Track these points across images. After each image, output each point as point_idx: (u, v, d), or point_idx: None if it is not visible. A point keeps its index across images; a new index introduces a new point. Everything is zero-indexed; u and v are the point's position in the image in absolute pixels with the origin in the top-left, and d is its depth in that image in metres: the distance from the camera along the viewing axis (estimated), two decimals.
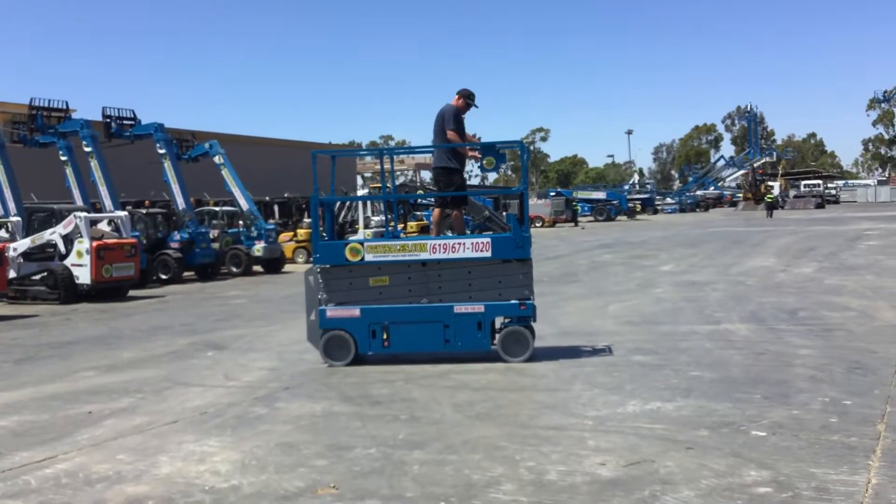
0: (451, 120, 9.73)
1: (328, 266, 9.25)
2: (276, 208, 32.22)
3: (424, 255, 9.14)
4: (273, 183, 40.06)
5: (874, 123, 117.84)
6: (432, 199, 40.98)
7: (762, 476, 5.08)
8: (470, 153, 10.06)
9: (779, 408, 6.72)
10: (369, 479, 5.31)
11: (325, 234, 9.62)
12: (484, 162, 9.58)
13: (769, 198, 58.65)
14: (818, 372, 8.03)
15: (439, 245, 9.15)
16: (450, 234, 10.56)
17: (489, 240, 9.12)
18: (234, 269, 23.87)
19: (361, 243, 9.42)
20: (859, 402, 6.82)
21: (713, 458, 5.45)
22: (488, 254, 9.05)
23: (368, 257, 9.18)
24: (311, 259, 9.58)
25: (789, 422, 6.29)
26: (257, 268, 24.49)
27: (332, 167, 9.91)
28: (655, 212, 73.52)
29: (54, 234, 18.42)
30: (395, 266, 9.19)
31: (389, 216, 10.59)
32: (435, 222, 10.43)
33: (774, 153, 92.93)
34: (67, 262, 17.99)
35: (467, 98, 9.94)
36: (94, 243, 17.87)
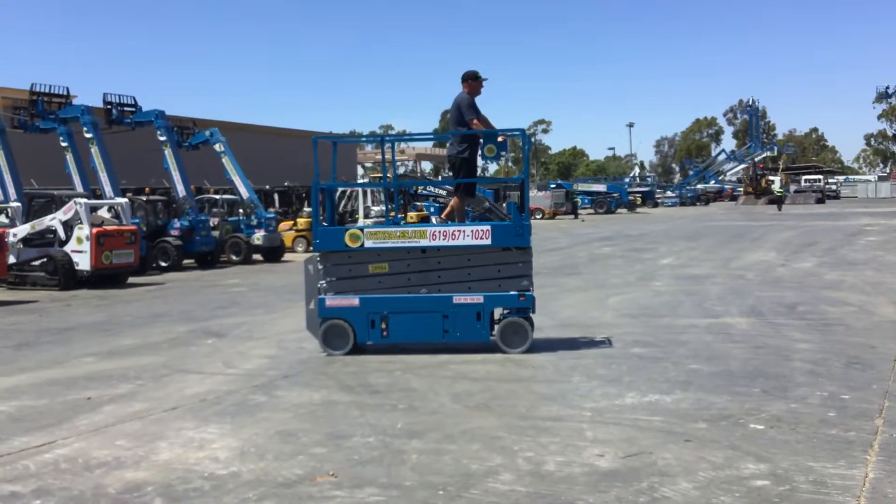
0: (468, 109, 9.57)
1: (328, 252, 9.24)
2: (276, 197, 32.18)
3: (424, 242, 9.14)
4: (273, 171, 40.02)
5: (879, 118, 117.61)
6: (432, 189, 40.92)
7: (760, 469, 5.10)
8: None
9: (777, 401, 6.73)
10: (368, 467, 5.32)
11: (325, 221, 9.61)
12: (485, 150, 9.54)
13: (778, 192, 58.85)
14: (817, 366, 8.04)
15: (439, 232, 9.14)
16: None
17: (489, 227, 9.11)
18: (234, 258, 23.86)
19: (361, 229, 9.41)
20: (857, 397, 6.83)
21: (711, 451, 5.46)
22: (488, 241, 9.04)
23: (368, 243, 9.17)
24: (311, 247, 9.58)
25: (787, 415, 6.30)
26: (257, 256, 24.48)
27: (334, 154, 9.88)
28: (656, 205, 73.48)
29: (54, 220, 18.40)
30: (394, 252, 9.18)
31: (390, 204, 10.53)
32: (454, 209, 10.31)
33: (775, 148, 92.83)
34: (67, 248, 17.97)
35: (473, 79, 9.77)
36: (94, 230, 17.84)
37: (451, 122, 9.83)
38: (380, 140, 9.49)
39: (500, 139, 9.55)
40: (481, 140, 9.66)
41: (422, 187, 39.56)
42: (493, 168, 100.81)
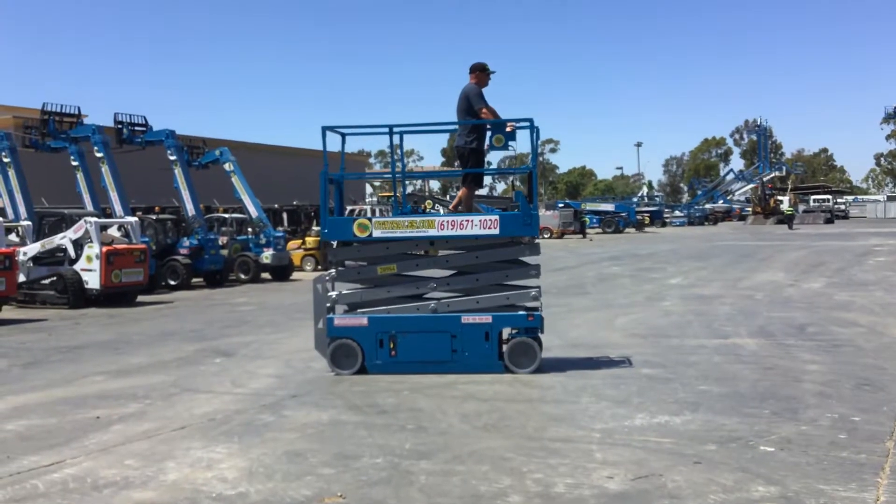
0: (477, 98, 9.52)
1: (336, 247, 9.24)
2: (284, 216, 32.28)
3: (433, 232, 9.12)
4: (282, 190, 40.19)
5: (888, 138, 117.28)
6: (440, 209, 40.91)
7: (770, 492, 5.07)
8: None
9: (787, 423, 6.70)
10: (376, 488, 5.31)
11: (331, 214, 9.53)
12: (493, 139, 9.44)
13: (788, 211, 59.64)
14: (827, 388, 8.01)
15: (447, 222, 9.13)
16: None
17: (497, 217, 9.10)
18: (243, 276, 23.92)
19: (370, 219, 9.39)
20: (868, 419, 6.79)
21: (721, 473, 5.43)
22: (496, 231, 9.03)
23: (376, 233, 9.16)
24: (320, 266, 9.60)
25: (798, 437, 6.27)
26: (265, 275, 24.54)
27: (342, 145, 9.78)
28: (664, 224, 73.40)
29: (64, 239, 18.50)
30: (402, 244, 9.18)
31: (398, 193, 10.26)
32: (462, 200, 10.29)
33: (784, 167, 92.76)
34: (77, 266, 18.05)
35: (482, 71, 9.73)
36: (104, 248, 17.92)
37: (459, 112, 9.71)
38: (388, 129, 9.33)
39: (508, 129, 9.40)
40: (489, 130, 9.55)
41: (431, 206, 39.62)
42: (500, 188, 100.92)
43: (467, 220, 9.08)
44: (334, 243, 9.47)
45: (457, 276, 9.37)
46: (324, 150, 9.28)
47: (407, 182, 10.60)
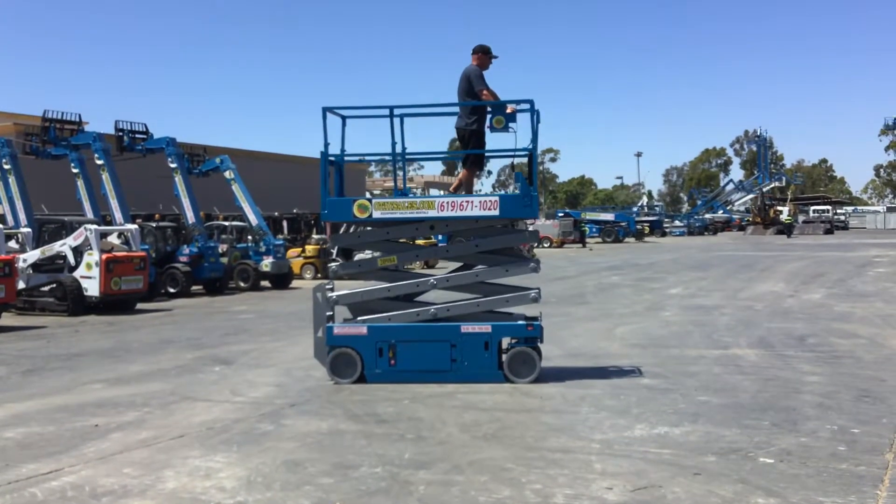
0: (478, 80, 9.50)
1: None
2: (284, 224, 32.30)
3: (432, 213, 9.10)
4: (282, 198, 40.19)
5: (887, 149, 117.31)
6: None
7: (770, 503, 5.05)
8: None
9: (787, 435, 6.69)
10: (375, 498, 5.30)
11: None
12: (493, 121, 9.38)
13: (787, 219, 60.33)
14: (826, 399, 8.00)
15: (447, 203, 9.11)
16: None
17: (497, 198, 9.11)
18: (242, 284, 23.92)
19: (370, 200, 9.35)
20: (868, 431, 6.79)
21: (721, 485, 5.43)
22: (496, 212, 9.02)
23: (376, 214, 9.14)
24: (319, 274, 9.60)
25: (797, 449, 6.27)
26: (265, 283, 24.53)
27: (343, 128, 9.73)
28: (664, 234, 73.39)
29: (64, 246, 18.50)
30: (403, 227, 9.19)
31: (398, 176, 10.20)
32: (461, 181, 10.28)
33: (784, 178, 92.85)
34: (77, 274, 18.04)
35: (484, 53, 9.70)
36: (104, 256, 17.92)
37: (460, 93, 9.68)
38: (389, 114, 9.30)
39: (508, 110, 9.33)
40: (490, 112, 9.48)
41: None
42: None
43: (467, 202, 9.07)
44: (339, 229, 9.47)
45: (456, 271, 9.38)
46: (324, 130, 9.26)
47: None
